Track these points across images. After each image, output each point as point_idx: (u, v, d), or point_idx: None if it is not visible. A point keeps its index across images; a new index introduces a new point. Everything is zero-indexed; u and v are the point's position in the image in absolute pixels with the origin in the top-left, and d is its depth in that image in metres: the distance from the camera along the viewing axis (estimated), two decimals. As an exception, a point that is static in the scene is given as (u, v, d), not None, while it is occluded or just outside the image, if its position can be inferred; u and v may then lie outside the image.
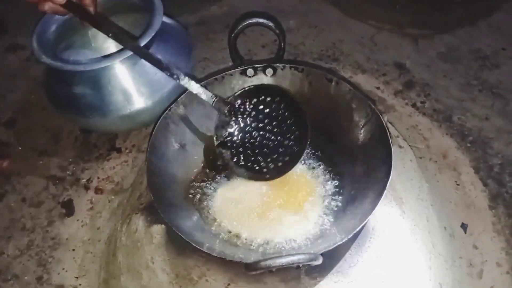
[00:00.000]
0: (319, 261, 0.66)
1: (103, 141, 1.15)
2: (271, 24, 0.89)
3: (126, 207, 0.94)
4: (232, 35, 0.90)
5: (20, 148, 1.18)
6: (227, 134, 0.86)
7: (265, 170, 0.85)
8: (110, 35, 0.83)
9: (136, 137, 1.14)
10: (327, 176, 0.87)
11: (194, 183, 0.88)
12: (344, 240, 0.69)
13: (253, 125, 0.86)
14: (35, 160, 1.14)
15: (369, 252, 0.79)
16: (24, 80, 1.34)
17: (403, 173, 0.93)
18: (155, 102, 0.98)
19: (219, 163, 0.90)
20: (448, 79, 1.24)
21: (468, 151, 1.09)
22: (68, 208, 1.05)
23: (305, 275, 0.75)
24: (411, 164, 0.97)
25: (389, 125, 1.02)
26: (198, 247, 0.70)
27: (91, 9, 0.85)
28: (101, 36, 1.15)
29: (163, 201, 0.78)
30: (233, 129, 0.86)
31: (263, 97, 0.85)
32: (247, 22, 0.88)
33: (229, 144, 0.86)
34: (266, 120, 0.86)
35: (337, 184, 0.86)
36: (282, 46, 0.92)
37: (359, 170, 0.84)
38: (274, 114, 0.85)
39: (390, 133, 0.81)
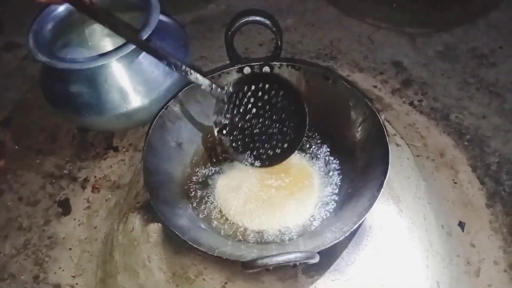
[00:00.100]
0: (316, 259, 0.66)
1: (100, 140, 1.15)
2: (268, 22, 0.89)
3: (123, 206, 0.94)
4: (229, 33, 0.90)
5: (16, 147, 1.18)
6: (226, 121, 0.86)
7: (264, 156, 0.86)
8: (106, 25, 0.83)
9: (133, 136, 1.13)
10: (324, 174, 0.87)
11: (191, 181, 0.88)
12: (341, 238, 0.69)
13: (252, 112, 0.86)
14: (32, 159, 1.14)
15: (366, 250, 0.79)
16: (21, 79, 1.33)
17: (400, 171, 0.93)
18: (152, 100, 0.98)
19: (219, 152, 0.90)
20: (445, 77, 1.24)
21: (466, 149, 1.09)
22: (65, 207, 1.05)
23: (302, 274, 0.75)
24: (408, 162, 0.97)
25: (386, 123, 1.02)
26: (195, 246, 0.69)
27: None
28: (97, 34, 1.15)
29: (160, 199, 0.78)
30: (232, 116, 0.86)
31: (261, 84, 0.85)
32: (244, 20, 0.88)
33: (228, 131, 0.86)
34: (264, 107, 0.86)
35: (334, 182, 0.86)
36: (279, 44, 0.92)
37: (356, 168, 0.84)
38: (273, 101, 0.86)
39: (387, 131, 0.81)
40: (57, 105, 1.02)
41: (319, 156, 0.89)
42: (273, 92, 0.85)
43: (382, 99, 1.20)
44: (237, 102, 0.86)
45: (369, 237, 0.80)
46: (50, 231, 1.02)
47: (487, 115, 1.15)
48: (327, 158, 0.89)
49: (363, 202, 0.75)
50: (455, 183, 1.04)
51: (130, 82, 0.97)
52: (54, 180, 1.09)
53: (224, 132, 0.86)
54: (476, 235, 0.96)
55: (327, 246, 0.69)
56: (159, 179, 0.82)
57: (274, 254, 0.64)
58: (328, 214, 0.82)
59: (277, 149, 0.86)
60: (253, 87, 0.85)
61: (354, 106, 0.87)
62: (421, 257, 0.82)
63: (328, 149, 0.90)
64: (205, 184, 0.88)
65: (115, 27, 0.83)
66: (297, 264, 0.71)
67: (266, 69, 0.92)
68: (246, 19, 0.88)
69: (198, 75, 0.82)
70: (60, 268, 0.96)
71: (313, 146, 0.91)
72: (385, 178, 0.74)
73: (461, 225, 0.98)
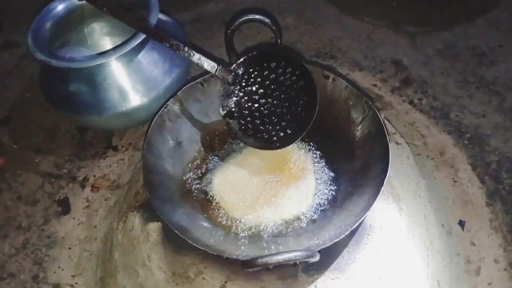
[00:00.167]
0: (316, 258, 0.65)
1: (99, 139, 1.15)
2: (267, 20, 0.89)
3: (123, 205, 0.94)
4: (229, 32, 0.89)
5: (15, 146, 1.17)
6: (233, 103, 0.83)
7: (274, 138, 0.82)
8: (104, 9, 0.82)
9: (132, 135, 1.13)
10: (324, 172, 0.87)
11: (191, 180, 0.88)
12: (341, 237, 0.69)
13: (259, 92, 0.82)
14: (31, 158, 1.14)
15: (366, 249, 0.78)
16: (19, 78, 1.33)
17: (400, 170, 0.93)
18: (151, 99, 0.98)
19: (219, 150, 0.89)
20: (445, 76, 1.24)
21: (466, 148, 1.09)
22: (64, 206, 1.05)
23: (302, 273, 0.75)
24: (408, 161, 0.97)
25: (386, 122, 1.02)
26: (195, 245, 0.69)
27: None
28: (97, 33, 1.15)
29: (159, 198, 0.78)
30: (239, 98, 0.83)
31: (267, 63, 0.82)
32: (243, 18, 0.88)
33: (236, 114, 0.83)
34: (272, 87, 0.82)
35: (334, 180, 0.85)
36: (279, 43, 0.91)
37: (356, 167, 0.84)
38: (281, 79, 0.82)
39: (387, 130, 0.81)
40: (56, 104, 1.02)
41: (318, 155, 0.89)
42: (280, 69, 0.81)
43: (382, 97, 1.20)
44: (244, 82, 0.82)
45: (369, 236, 0.80)
46: (50, 231, 1.01)
47: (487, 114, 1.15)
48: (326, 157, 0.89)
49: (363, 201, 0.75)
50: (455, 181, 1.04)
51: (129, 81, 0.97)
52: (53, 180, 1.09)
53: (232, 115, 0.83)
54: (476, 234, 0.96)
55: (327, 245, 0.69)
56: (159, 178, 0.82)
57: (274, 252, 0.64)
58: (328, 213, 0.81)
59: (288, 130, 0.82)
60: (258, 67, 0.82)
61: (353, 105, 0.87)
62: (421, 256, 0.82)
63: (328, 148, 0.90)
64: (205, 182, 0.87)
65: (113, 11, 0.82)
66: (297, 262, 0.71)
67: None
68: (246, 18, 0.88)
69: (202, 56, 0.80)
70: (59, 267, 0.96)
71: (313, 145, 0.90)
72: (385, 176, 0.74)
73: (461, 223, 0.98)
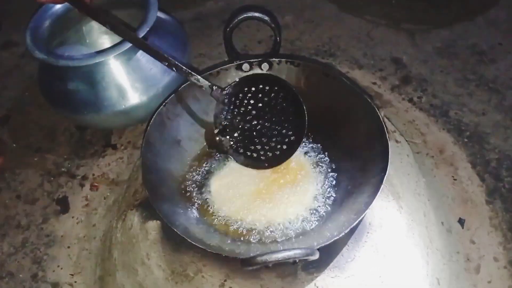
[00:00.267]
0: (316, 256, 0.65)
1: (98, 138, 1.15)
2: (266, 18, 0.88)
3: (122, 203, 0.94)
4: (228, 29, 0.89)
5: (14, 145, 1.17)
6: (226, 122, 0.86)
7: (263, 158, 0.86)
8: (107, 25, 0.83)
9: (131, 134, 1.13)
10: (324, 170, 0.87)
11: (189, 178, 0.88)
12: (341, 235, 0.69)
13: (251, 113, 0.86)
14: (30, 157, 1.14)
15: (366, 247, 0.78)
16: (19, 77, 1.33)
17: (400, 168, 0.93)
18: (150, 97, 0.98)
19: (218, 149, 0.90)
20: (445, 74, 1.24)
21: (465, 146, 1.09)
22: (63, 205, 1.05)
23: (301, 271, 0.75)
24: (408, 159, 0.96)
25: (385, 120, 1.02)
26: (194, 243, 0.69)
27: None
28: (95, 31, 1.14)
29: (158, 197, 0.77)
30: (232, 117, 0.86)
31: (261, 86, 0.85)
32: (242, 16, 0.87)
33: (228, 132, 0.86)
34: (264, 109, 0.85)
35: (333, 178, 0.85)
36: (278, 40, 0.91)
37: (356, 165, 0.83)
38: (272, 103, 0.85)
39: (386, 128, 0.81)
40: (55, 103, 1.02)
41: (318, 152, 0.89)
42: (273, 94, 0.85)
43: (382, 95, 1.20)
44: (237, 103, 0.85)
45: (369, 234, 0.80)
46: (49, 229, 1.01)
47: (487, 112, 1.15)
48: (326, 155, 0.89)
49: (363, 199, 0.75)
50: (455, 179, 1.04)
51: (128, 79, 0.96)
52: (52, 178, 1.09)
53: (224, 133, 0.86)
54: (476, 232, 0.96)
55: (327, 243, 0.68)
56: (158, 177, 0.82)
57: (273, 250, 0.64)
58: (328, 211, 0.81)
59: (276, 151, 0.85)
60: (253, 89, 0.85)
61: (353, 103, 0.86)
62: (421, 254, 0.82)
63: (327, 146, 0.89)
64: (204, 180, 0.87)
65: (116, 28, 0.83)
66: (297, 261, 0.71)
67: (265, 65, 0.92)
68: (245, 15, 0.88)
69: (199, 77, 0.82)
70: (58, 266, 0.96)
71: (312, 143, 0.90)
72: (384, 174, 0.73)
73: (461, 221, 0.97)
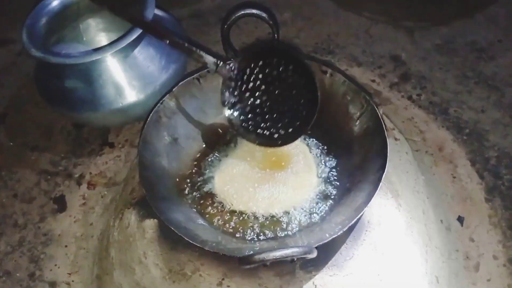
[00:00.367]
0: (314, 254, 0.65)
1: (95, 136, 1.14)
2: (264, 15, 0.88)
3: (119, 202, 0.93)
4: (225, 26, 0.89)
5: (11, 143, 1.17)
6: (234, 99, 0.82)
7: (276, 135, 0.82)
8: (104, 6, 0.81)
9: (128, 132, 1.12)
10: (322, 168, 0.86)
11: (187, 176, 0.87)
12: (339, 233, 0.69)
13: (261, 89, 0.82)
14: (27, 156, 1.13)
15: (364, 245, 0.78)
16: (15, 75, 1.32)
17: (398, 165, 0.92)
18: (147, 95, 0.97)
19: (217, 148, 0.89)
20: (444, 71, 1.24)
21: (464, 143, 1.09)
22: (60, 204, 1.04)
23: (300, 269, 0.75)
24: (407, 156, 0.96)
25: (384, 117, 1.01)
26: (191, 241, 0.69)
27: None
28: (92, 29, 1.14)
29: (156, 195, 0.77)
30: (241, 94, 0.82)
31: (269, 59, 0.81)
32: (240, 13, 0.87)
33: (237, 110, 0.82)
34: (274, 84, 0.81)
35: (332, 176, 0.85)
36: (276, 38, 0.91)
37: (355, 163, 0.83)
38: (282, 76, 0.81)
39: (385, 125, 0.81)
40: (51, 101, 1.01)
41: (317, 150, 0.89)
42: (282, 67, 0.80)
43: (380, 93, 1.19)
44: (245, 79, 0.81)
45: (367, 232, 0.79)
46: (46, 228, 1.01)
47: (486, 109, 1.15)
48: (325, 152, 0.88)
49: (361, 197, 0.75)
50: (454, 177, 1.04)
51: (125, 77, 0.96)
52: (49, 177, 1.09)
53: (234, 111, 0.82)
54: (475, 230, 0.96)
55: (325, 241, 0.68)
56: (155, 175, 0.81)
57: (271, 249, 0.64)
58: (326, 209, 0.81)
59: (289, 128, 0.81)
60: (260, 63, 0.81)
61: (352, 100, 0.86)
62: (420, 252, 0.82)
63: (326, 144, 0.89)
64: (201, 178, 0.87)
65: (114, 9, 0.81)
66: (295, 259, 0.71)
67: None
68: (242, 12, 0.87)
69: (203, 52, 0.79)
70: (55, 265, 0.96)
71: (312, 140, 0.90)
72: (383, 172, 0.73)
73: (460, 219, 0.97)
